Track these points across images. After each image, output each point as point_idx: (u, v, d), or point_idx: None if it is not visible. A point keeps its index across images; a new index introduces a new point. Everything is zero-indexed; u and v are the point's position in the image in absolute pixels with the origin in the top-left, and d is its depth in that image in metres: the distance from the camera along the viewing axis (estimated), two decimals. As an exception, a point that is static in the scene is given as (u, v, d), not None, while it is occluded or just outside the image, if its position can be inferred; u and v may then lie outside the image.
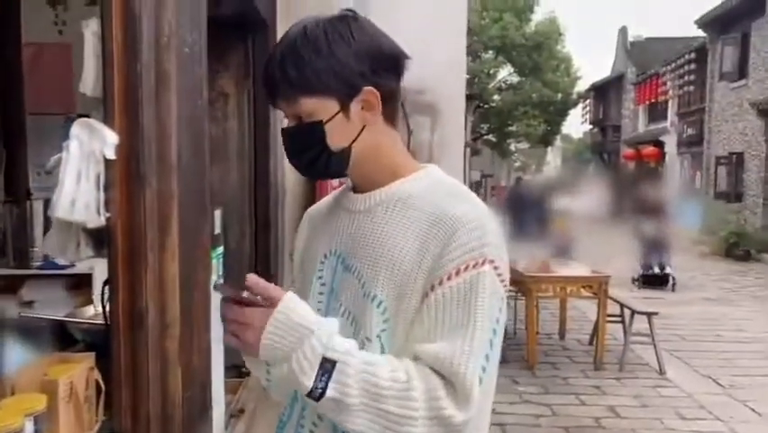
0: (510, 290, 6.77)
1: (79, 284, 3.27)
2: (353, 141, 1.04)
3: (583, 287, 5.51)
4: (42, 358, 1.36)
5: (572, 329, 6.68)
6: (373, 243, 1.04)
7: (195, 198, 1.59)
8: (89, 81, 1.41)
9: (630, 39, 27.61)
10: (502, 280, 1.03)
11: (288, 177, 4.25)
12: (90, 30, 1.42)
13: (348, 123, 1.03)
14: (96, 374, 1.34)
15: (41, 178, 3.48)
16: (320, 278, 1.12)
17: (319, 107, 1.02)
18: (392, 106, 1.07)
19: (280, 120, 4.68)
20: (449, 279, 0.98)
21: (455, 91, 3.98)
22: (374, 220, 1.06)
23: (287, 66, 1.01)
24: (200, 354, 1.73)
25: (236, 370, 3.37)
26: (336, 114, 1.02)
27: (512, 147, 33.06)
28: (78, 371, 1.28)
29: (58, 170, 1.49)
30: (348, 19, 1.04)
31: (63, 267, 3.36)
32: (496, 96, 27.21)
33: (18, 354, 1.39)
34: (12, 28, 3.35)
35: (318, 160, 1.05)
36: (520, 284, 5.65)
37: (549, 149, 38.14)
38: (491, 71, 26.54)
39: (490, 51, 25.74)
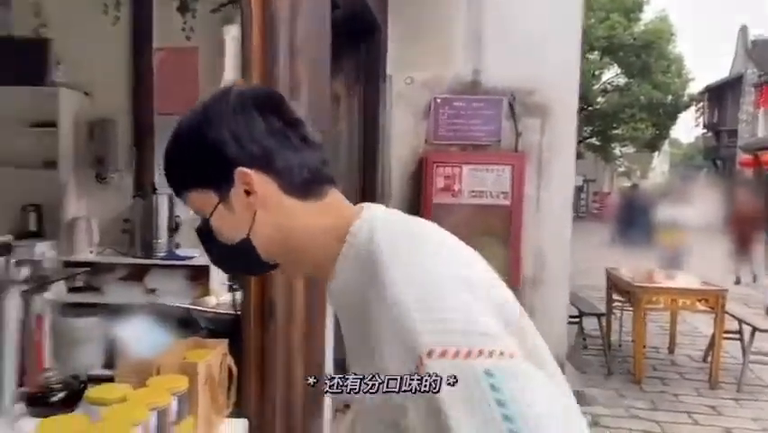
0: (617, 300, 6.40)
1: (197, 276, 3.48)
2: (249, 231, 0.89)
3: (698, 300, 5.19)
4: (180, 342, 1.45)
5: (682, 344, 6.30)
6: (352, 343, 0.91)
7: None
8: (229, 83, 1.50)
9: (751, 38, 25.76)
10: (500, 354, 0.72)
11: (394, 184, 4.32)
12: (230, 35, 1.50)
13: (233, 213, 0.88)
14: (229, 360, 1.42)
15: (166, 174, 3.72)
16: None
17: (204, 201, 0.90)
18: (295, 180, 0.89)
19: (388, 125, 4.68)
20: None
21: (567, 93, 3.85)
22: (343, 310, 0.91)
23: (167, 162, 0.93)
24: (318, 345, 1.79)
25: (343, 364, 3.46)
26: (217, 205, 0.89)
27: (617, 151, 31.71)
28: (214, 356, 1.36)
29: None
30: (213, 100, 0.90)
31: (184, 258, 3.58)
32: (600, 99, 26.22)
33: (160, 337, 1.50)
34: (145, 35, 3.61)
35: (226, 257, 0.94)
36: (628, 294, 5.41)
37: (656, 154, 36.23)
38: (596, 72, 25.59)
39: (596, 52, 24.84)
